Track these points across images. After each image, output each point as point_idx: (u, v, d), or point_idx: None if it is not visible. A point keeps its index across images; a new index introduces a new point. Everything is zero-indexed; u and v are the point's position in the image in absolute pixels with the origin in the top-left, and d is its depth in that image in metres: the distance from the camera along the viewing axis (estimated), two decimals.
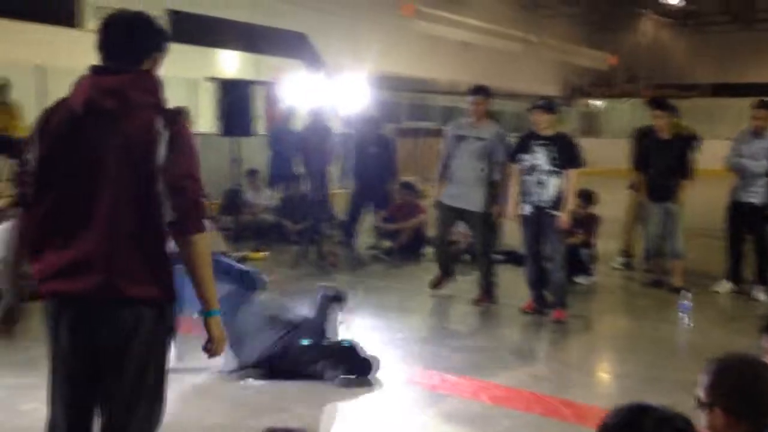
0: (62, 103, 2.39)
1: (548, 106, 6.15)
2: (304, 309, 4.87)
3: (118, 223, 2.29)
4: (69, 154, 2.32)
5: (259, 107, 14.82)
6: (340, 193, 10.64)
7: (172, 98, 9.55)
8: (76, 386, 2.40)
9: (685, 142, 7.34)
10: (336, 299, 4.77)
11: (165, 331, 2.43)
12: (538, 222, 6.08)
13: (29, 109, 8.98)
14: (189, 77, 13.39)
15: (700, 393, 2.07)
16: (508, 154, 6.38)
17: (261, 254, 8.30)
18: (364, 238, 9.10)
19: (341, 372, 4.46)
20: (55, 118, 2.37)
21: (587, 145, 17.24)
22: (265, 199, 9.93)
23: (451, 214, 6.61)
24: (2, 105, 8.38)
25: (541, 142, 6.04)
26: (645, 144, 7.30)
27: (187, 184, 2.33)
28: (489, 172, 6.42)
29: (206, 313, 2.42)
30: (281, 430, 1.62)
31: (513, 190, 6.28)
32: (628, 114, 26.40)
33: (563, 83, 26.75)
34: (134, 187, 2.30)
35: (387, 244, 8.72)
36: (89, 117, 2.31)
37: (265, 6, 15.03)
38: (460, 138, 6.53)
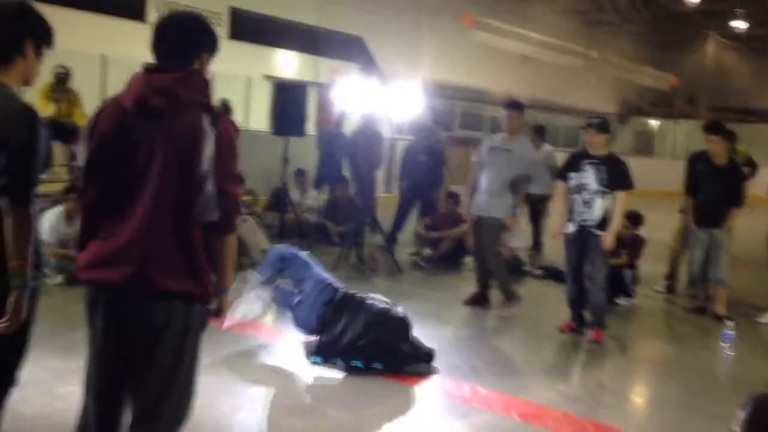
0: (114, 101, 2.48)
1: (603, 126, 6.08)
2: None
3: (158, 219, 2.35)
4: (118, 149, 2.40)
5: (311, 108, 15.05)
6: (385, 197, 10.70)
7: (228, 94, 9.78)
8: (106, 374, 2.47)
9: (739, 168, 7.18)
10: None
11: (197, 324, 2.48)
12: (582, 241, 6.02)
13: (91, 99, 9.26)
14: (246, 75, 13.61)
15: (736, 429, 2.04)
16: (558, 171, 6.38)
17: None
18: (406, 245, 9.12)
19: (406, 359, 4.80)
20: (106, 115, 2.45)
21: (641, 166, 17.01)
22: (310, 199, 10.03)
23: (477, 224, 6.69)
24: (63, 93, 8.64)
25: (592, 161, 5.99)
26: (697, 168, 7.15)
27: (231, 188, 2.41)
28: (513, 183, 6.50)
29: (221, 290, 2.57)
30: None
31: (558, 208, 6.26)
32: (685, 136, 25.90)
33: (621, 101, 26.35)
34: (178, 184, 2.35)
35: (428, 252, 8.72)
36: (139, 114, 2.38)
37: (323, 8, 15.19)
38: (491, 150, 6.66)
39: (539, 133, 9.42)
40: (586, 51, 21.79)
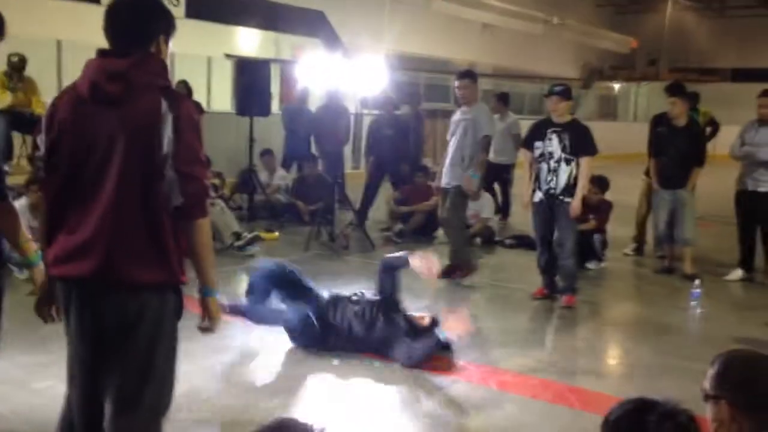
0: (71, 89, 2.42)
1: (565, 92, 6.12)
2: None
3: (122, 208, 2.31)
4: (76, 139, 2.35)
5: (275, 86, 14.88)
6: (354, 173, 10.68)
7: (189, 75, 9.61)
8: (85, 369, 2.45)
9: (699, 128, 7.29)
10: (399, 266, 4.91)
11: (172, 314, 2.45)
12: (549, 208, 6.08)
13: (48, 86, 9.06)
14: (206, 54, 13.41)
15: (707, 385, 2.09)
16: (523, 140, 6.40)
17: (273, 234, 8.35)
18: (377, 220, 9.13)
19: (421, 351, 4.53)
20: (64, 104, 2.39)
21: (605, 129, 17.12)
22: (278, 179, 9.95)
23: (444, 196, 6.73)
24: (19, 81, 8.43)
25: (555, 129, 6.03)
26: (659, 131, 7.25)
27: (196, 170, 2.35)
28: (473, 149, 6.48)
29: (206, 292, 2.48)
30: (290, 422, 1.65)
31: (526, 177, 6.29)
32: (647, 98, 26.13)
33: (583, 66, 26.46)
34: (139, 172, 2.31)
35: (399, 226, 8.74)
36: (94, 102, 2.33)
37: None
38: (454, 122, 6.72)
39: (503, 101, 9.45)
40: (547, 17, 21.79)
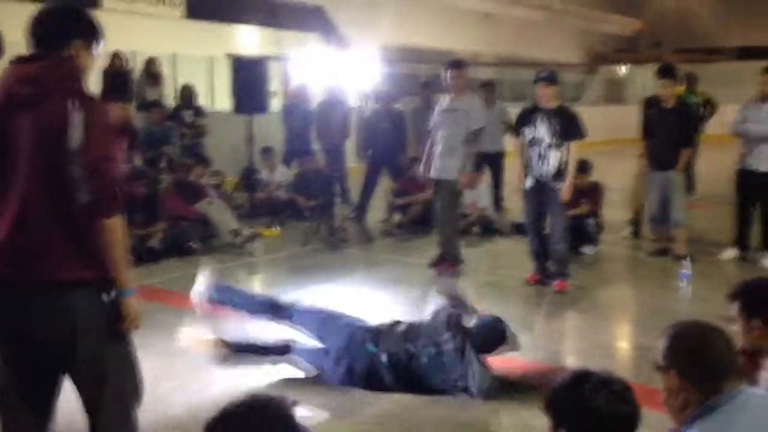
0: None
1: (551, 78, 6.18)
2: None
3: (32, 208, 2.36)
4: None
5: (275, 83, 14.98)
6: (357, 167, 10.77)
7: (191, 76, 9.76)
8: (12, 386, 2.45)
9: (688, 109, 7.32)
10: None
11: (110, 310, 2.45)
12: (540, 194, 6.17)
13: None
14: (208, 54, 13.54)
15: (658, 356, 2.19)
16: (513, 126, 6.44)
17: (273, 231, 8.49)
18: (375, 213, 9.24)
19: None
20: None
21: (611, 113, 17.01)
22: (279, 176, 10.08)
23: (436, 187, 6.75)
24: None
25: (543, 114, 6.11)
26: (649, 113, 7.30)
27: (102, 166, 2.37)
28: (464, 141, 6.49)
29: (119, 293, 2.46)
30: (263, 397, 1.76)
31: (517, 163, 6.36)
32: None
33: (587, 50, 26.41)
34: (48, 171, 2.36)
35: (397, 218, 8.85)
36: (9, 105, 2.40)
37: None
38: (442, 112, 6.68)
39: (489, 90, 9.48)
40: (547, 3, 21.78)
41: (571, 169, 6.09)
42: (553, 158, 6.07)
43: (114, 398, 2.50)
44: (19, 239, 2.37)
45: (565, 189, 6.04)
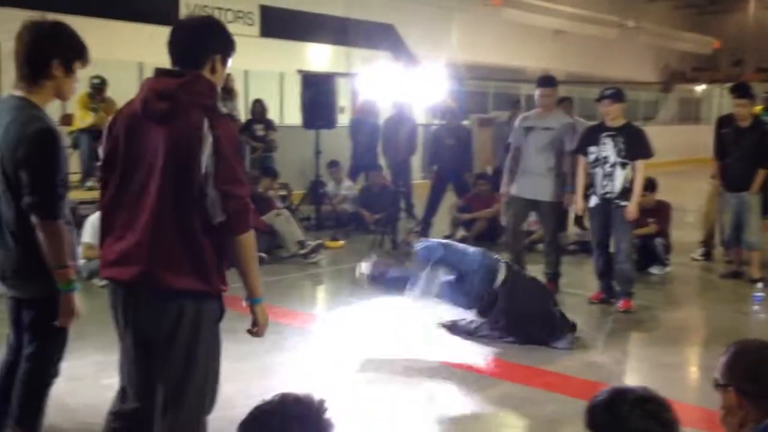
0: (129, 104, 2.63)
1: (617, 96, 6.09)
2: None
3: (162, 220, 2.47)
4: (128, 150, 2.55)
5: (344, 99, 15.20)
6: (424, 183, 10.83)
7: (262, 91, 10.06)
8: (132, 365, 2.65)
9: (765, 129, 7.10)
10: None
11: (209, 319, 2.60)
12: (606, 213, 6.08)
13: None
14: (279, 70, 13.86)
15: (717, 374, 2.16)
16: (576, 146, 6.38)
17: (338, 243, 8.60)
18: (440, 228, 9.25)
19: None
20: (121, 117, 2.60)
21: (686, 133, 16.59)
22: (345, 189, 10.22)
23: (523, 206, 6.68)
24: (100, 101, 8.98)
25: (609, 133, 6.03)
26: (723, 132, 7.12)
27: (235, 190, 2.48)
28: (558, 161, 6.44)
29: (252, 300, 2.66)
30: (293, 396, 1.83)
31: (580, 182, 6.29)
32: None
33: (662, 69, 25.85)
34: (179, 185, 2.46)
35: (462, 233, 8.85)
36: (145, 118, 2.51)
37: None
38: (528, 129, 6.57)
39: (567, 105, 9.40)
40: (621, 20, 21.44)
41: (638, 188, 5.98)
42: (620, 177, 5.98)
43: (193, 399, 2.60)
44: (146, 246, 2.49)
45: (631, 207, 5.94)
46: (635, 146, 5.98)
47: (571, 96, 10.36)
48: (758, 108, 9.36)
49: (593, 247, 6.34)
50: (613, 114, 6.04)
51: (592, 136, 6.16)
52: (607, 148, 6.01)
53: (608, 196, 6.03)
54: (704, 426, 3.70)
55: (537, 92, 6.62)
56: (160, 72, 2.59)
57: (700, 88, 26.77)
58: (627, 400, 1.85)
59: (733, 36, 24.28)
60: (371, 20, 15.63)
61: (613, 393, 1.89)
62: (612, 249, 6.24)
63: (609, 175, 6.02)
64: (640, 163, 5.97)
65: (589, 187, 6.15)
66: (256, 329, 2.69)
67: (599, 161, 6.05)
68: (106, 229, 2.63)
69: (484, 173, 9.61)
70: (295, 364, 4.78)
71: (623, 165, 5.98)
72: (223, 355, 2.64)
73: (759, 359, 2.14)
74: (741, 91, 7.14)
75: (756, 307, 5.98)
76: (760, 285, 6.15)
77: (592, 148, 6.10)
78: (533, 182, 6.51)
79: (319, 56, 15.43)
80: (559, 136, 6.44)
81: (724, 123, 7.23)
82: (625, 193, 5.98)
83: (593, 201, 6.14)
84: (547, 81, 6.70)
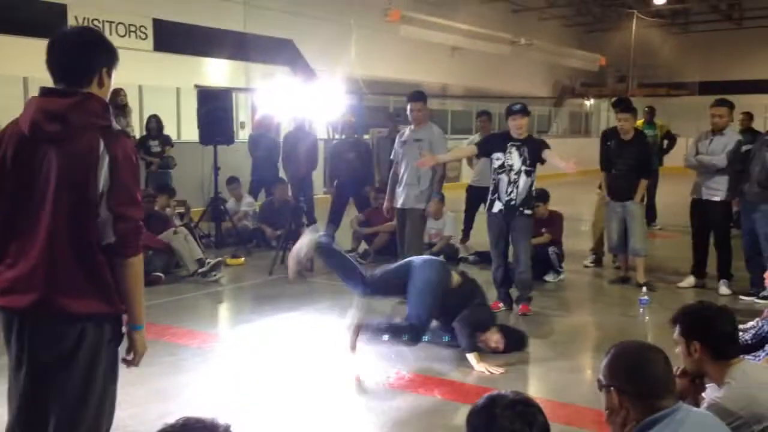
0: (13, 124, 2.48)
1: (526, 110, 6.35)
2: None
3: (57, 243, 2.39)
4: (17, 173, 2.43)
5: (242, 115, 15.03)
6: (323, 198, 10.82)
7: (159, 107, 9.83)
8: (23, 398, 2.50)
9: (646, 142, 7.52)
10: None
11: (109, 342, 2.52)
12: (506, 221, 6.27)
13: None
14: (176, 85, 13.57)
15: (600, 375, 2.26)
16: (481, 148, 6.59)
17: (239, 260, 8.48)
18: (342, 243, 9.26)
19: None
20: (6, 138, 2.46)
21: (577, 146, 17.29)
22: (245, 206, 10.09)
23: (401, 215, 6.87)
24: None
25: (515, 143, 6.26)
26: (608, 145, 7.48)
27: (129, 212, 2.43)
28: (430, 170, 6.65)
29: (133, 327, 2.57)
30: (194, 420, 1.80)
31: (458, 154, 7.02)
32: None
33: (554, 84, 26.89)
34: (73, 209, 2.38)
35: (364, 247, 8.89)
36: (34, 140, 2.39)
37: (250, 13, 15.22)
38: (404, 143, 6.89)
39: (485, 120, 9.63)
40: (514, 38, 22.18)
41: (557, 158, 6.19)
42: (524, 184, 6.20)
43: (90, 424, 2.51)
44: (42, 272, 2.40)
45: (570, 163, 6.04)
46: (539, 151, 6.22)
47: (464, 111, 10.61)
48: (640, 122, 9.91)
49: (492, 258, 6.52)
50: (525, 127, 6.28)
51: (498, 143, 6.36)
52: (513, 157, 6.24)
53: (512, 203, 6.23)
54: (595, 427, 3.86)
55: (408, 107, 6.89)
56: (46, 91, 2.46)
57: (589, 102, 28.02)
58: (499, 404, 1.91)
59: (618, 53, 25.49)
60: (269, 35, 15.55)
61: (489, 398, 1.95)
62: (510, 259, 6.45)
63: (514, 182, 6.23)
64: (547, 152, 6.20)
65: (493, 192, 6.34)
66: (133, 357, 2.61)
67: (505, 168, 6.25)
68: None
69: (382, 187, 9.68)
70: (194, 386, 4.67)
71: (528, 173, 6.21)
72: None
73: (637, 360, 2.25)
74: (623, 105, 7.53)
75: (641, 311, 6.28)
76: (644, 289, 6.47)
77: (498, 155, 6.29)
78: (404, 192, 6.80)
79: (217, 71, 15.21)
80: (428, 145, 6.69)
81: (609, 136, 7.59)
82: (529, 200, 6.21)
83: (497, 207, 6.32)
84: (417, 96, 6.96)
